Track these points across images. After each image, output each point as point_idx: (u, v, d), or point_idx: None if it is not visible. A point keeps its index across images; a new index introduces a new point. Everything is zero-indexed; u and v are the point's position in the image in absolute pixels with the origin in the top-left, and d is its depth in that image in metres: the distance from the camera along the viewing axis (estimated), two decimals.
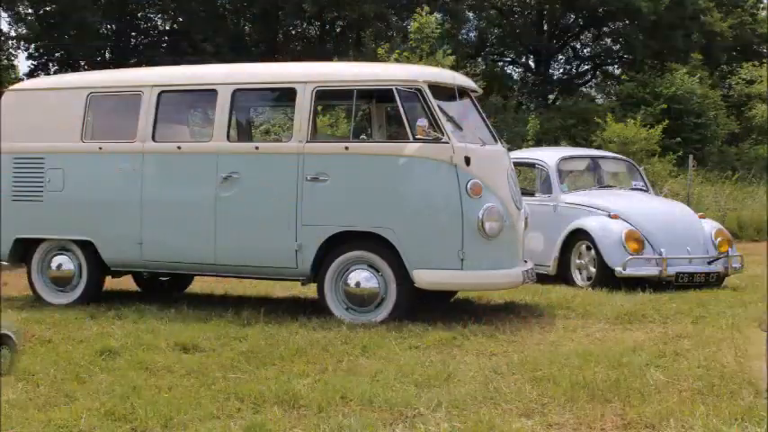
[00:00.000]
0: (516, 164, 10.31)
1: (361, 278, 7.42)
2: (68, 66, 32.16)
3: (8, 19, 30.25)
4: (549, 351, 6.27)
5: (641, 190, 11.55)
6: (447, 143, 7.27)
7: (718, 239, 10.29)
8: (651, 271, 9.82)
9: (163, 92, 8.17)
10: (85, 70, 27.97)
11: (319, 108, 12.29)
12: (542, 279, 10.06)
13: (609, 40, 39.59)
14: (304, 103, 7.57)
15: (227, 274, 8.14)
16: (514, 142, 23.62)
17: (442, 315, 7.65)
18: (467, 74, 19.40)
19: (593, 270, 10.10)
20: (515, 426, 4.40)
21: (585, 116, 30.28)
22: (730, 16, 37.85)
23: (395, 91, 7.46)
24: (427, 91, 7.46)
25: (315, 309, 7.78)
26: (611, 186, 11.60)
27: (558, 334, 7.02)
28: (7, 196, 8.52)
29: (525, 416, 4.63)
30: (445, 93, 7.72)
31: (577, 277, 10.31)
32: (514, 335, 6.94)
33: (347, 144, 7.55)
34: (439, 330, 6.93)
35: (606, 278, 9.81)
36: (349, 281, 7.45)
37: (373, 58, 22.94)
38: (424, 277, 7.22)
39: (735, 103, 34.86)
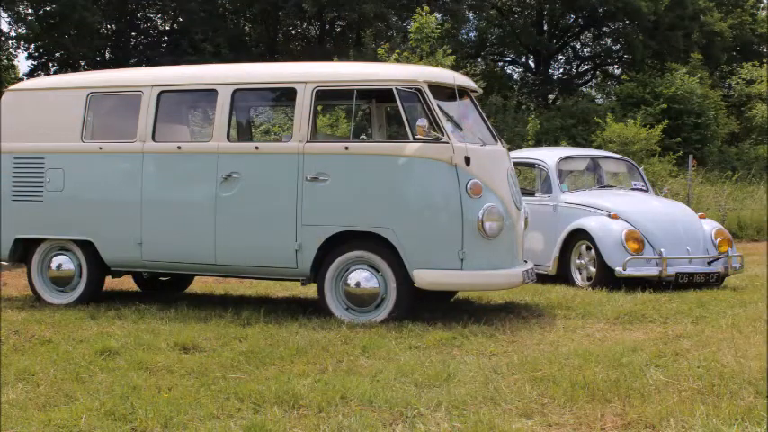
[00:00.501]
0: (516, 164, 10.40)
1: (361, 278, 7.40)
2: (68, 66, 32.16)
3: (8, 19, 30.26)
4: (549, 351, 6.26)
5: (641, 190, 11.51)
6: (447, 143, 7.24)
7: (718, 239, 10.25)
8: (651, 271, 9.79)
9: (163, 92, 8.16)
10: (85, 70, 27.95)
11: (319, 108, 12.26)
12: (542, 279, 10.07)
13: (609, 40, 39.60)
14: (304, 102, 7.54)
15: (227, 274, 8.11)
16: (514, 142, 23.67)
17: (442, 315, 7.65)
18: (467, 74, 19.52)
19: (593, 270, 10.08)
20: (515, 426, 4.40)
21: (585, 116, 30.30)
22: (730, 16, 37.86)
23: (395, 91, 7.43)
24: (427, 91, 7.43)
25: (315, 309, 7.77)
26: (611, 186, 11.57)
27: (558, 334, 7.01)
28: (7, 196, 8.50)
29: (525, 416, 4.63)
30: (445, 93, 7.70)
31: (577, 277, 10.28)
32: (514, 335, 6.94)
33: (347, 144, 7.51)
34: (439, 330, 6.92)
35: (606, 278, 9.79)
36: (349, 281, 7.43)
37: (373, 58, 22.94)
38: (424, 277, 7.19)
39: (735, 103, 34.88)
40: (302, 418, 4.53)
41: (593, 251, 10.04)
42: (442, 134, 7.28)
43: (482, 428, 4.34)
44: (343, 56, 27.36)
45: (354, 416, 4.52)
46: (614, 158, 12.40)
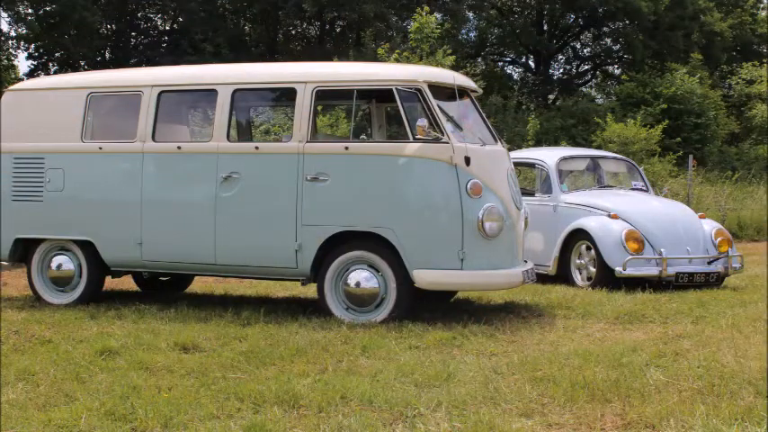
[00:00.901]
0: (516, 164, 10.35)
1: (361, 278, 7.41)
2: (68, 66, 32.15)
3: (8, 19, 30.36)
4: (549, 351, 6.24)
5: (641, 190, 11.44)
6: (447, 143, 7.20)
7: (718, 239, 10.19)
8: (651, 271, 9.73)
9: (163, 92, 8.13)
10: (85, 70, 27.91)
11: (319, 108, 12.15)
12: (542, 279, 10.04)
13: (609, 40, 39.56)
14: (304, 103, 7.51)
15: (227, 274, 8.10)
16: (514, 142, 23.65)
17: (442, 315, 7.63)
18: (467, 74, 19.63)
19: (593, 270, 10.03)
20: (515, 426, 4.39)
21: (585, 116, 30.27)
22: (730, 16, 37.83)
23: (395, 91, 7.40)
24: (427, 91, 7.40)
25: (315, 309, 7.75)
26: (610, 186, 11.51)
27: (557, 334, 6.97)
28: (7, 196, 8.49)
29: (525, 416, 4.61)
30: (445, 93, 7.67)
31: (577, 277, 10.24)
32: (514, 335, 6.91)
33: (347, 144, 7.48)
34: (439, 330, 6.90)
35: (606, 278, 9.75)
36: (349, 281, 7.44)
37: (373, 58, 22.93)
38: (425, 277, 7.18)
39: (735, 102, 34.79)
40: (302, 418, 4.52)
41: (593, 251, 9.98)
42: (442, 134, 7.25)
43: (482, 428, 4.33)
44: (343, 56, 27.35)
45: (354, 416, 4.51)
46: (614, 158, 12.31)
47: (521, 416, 4.60)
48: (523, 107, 34.80)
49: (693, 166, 20.10)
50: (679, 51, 34.77)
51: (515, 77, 41.10)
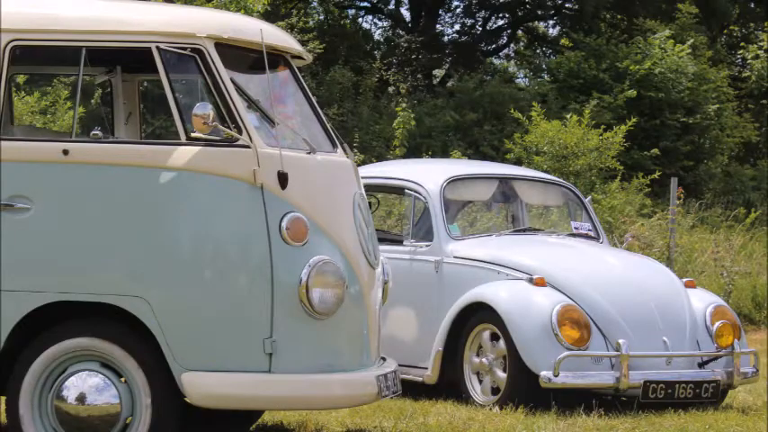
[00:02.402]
0: (371, 188, 8.49)
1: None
2: None
3: None
4: None
5: (587, 237, 9.25)
6: (247, 147, 5.47)
7: (718, 324, 8.11)
8: (602, 378, 7.59)
9: None
10: None
11: (20, 79, 11.51)
12: (414, 391, 8.01)
13: None
14: None
15: None
16: (372, 150, 19.80)
17: None
18: (290, 28, 16.80)
19: (501, 376, 7.86)
20: None
21: (497, 108, 23.95)
22: None
23: (155, 52, 5.56)
24: (213, 53, 5.62)
25: None
26: (534, 230, 9.44)
27: None
28: None
29: None
30: (246, 59, 5.94)
31: (475, 388, 8.00)
32: None
33: (67, 145, 5.79)
34: None
35: (525, 390, 7.59)
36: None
37: None
38: (202, 387, 5.58)
39: (751, 90, 26.25)
40: None
41: (501, 342, 7.82)
42: (240, 131, 5.51)
43: None
44: None
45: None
46: (542, 182, 10.03)
47: None
48: (390, 89, 29.51)
49: (679, 198, 16.47)
50: (658, 0, 25.19)
51: (377, 36, 30.50)
